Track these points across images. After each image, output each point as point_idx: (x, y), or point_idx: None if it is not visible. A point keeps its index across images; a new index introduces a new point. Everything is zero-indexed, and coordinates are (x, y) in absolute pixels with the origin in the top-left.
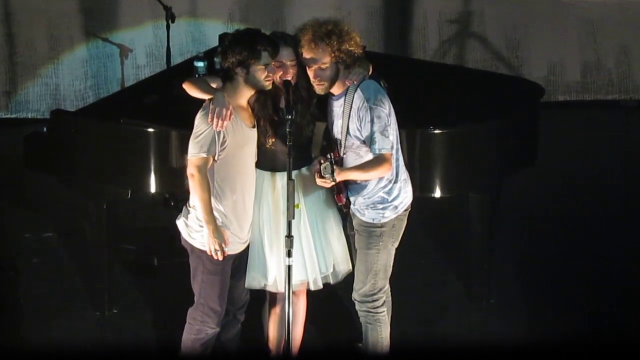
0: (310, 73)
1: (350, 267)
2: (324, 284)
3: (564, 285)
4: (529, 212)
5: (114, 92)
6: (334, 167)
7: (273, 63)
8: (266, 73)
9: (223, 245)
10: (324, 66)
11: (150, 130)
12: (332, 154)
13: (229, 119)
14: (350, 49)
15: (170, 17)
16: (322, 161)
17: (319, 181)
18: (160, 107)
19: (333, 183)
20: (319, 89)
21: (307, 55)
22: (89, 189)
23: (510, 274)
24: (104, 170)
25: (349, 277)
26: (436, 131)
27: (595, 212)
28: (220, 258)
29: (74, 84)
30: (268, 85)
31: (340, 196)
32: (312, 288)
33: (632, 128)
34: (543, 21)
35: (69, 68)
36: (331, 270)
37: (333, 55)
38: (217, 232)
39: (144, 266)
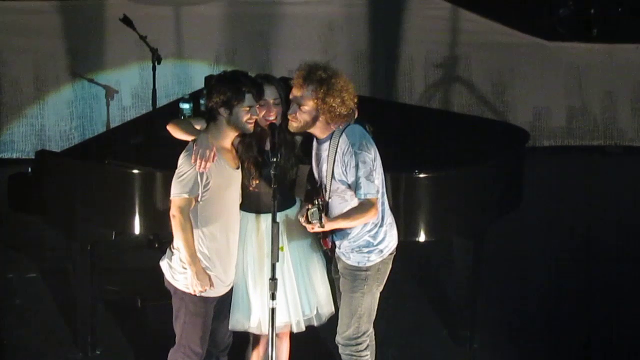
0: (291, 107)
1: (333, 310)
2: (307, 327)
3: (548, 329)
4: (513, 256)
5: (99, 133)
6: (322, 213)
7: (257, 105)
8: (249, 115)
9: (206, 287)
10: (304, 108)
11: (135, 171)
12: (319, 199)
13: (212, 160)
14: (333, 105)
15: (157, 58)
16: (309, 206)
17: (306, 227)
18: (146, 149)
19: (320, 229)
20: (291, 124)
21: (294, 91)
22: (73, 230)
23: (495, 318)
24: (89, 211)
25: (333, 320)
26: (421, 175)
27: (580, 257)
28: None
29: (59, 125)
30: (250, 128)
31: (327, 240)
32: (294, 330)
33: (617, 174)
34: (529, 66)
35: (54, 108)
36: (314, 312)
37: (315, 102)
38: (201, 273)
39: (128, 307)
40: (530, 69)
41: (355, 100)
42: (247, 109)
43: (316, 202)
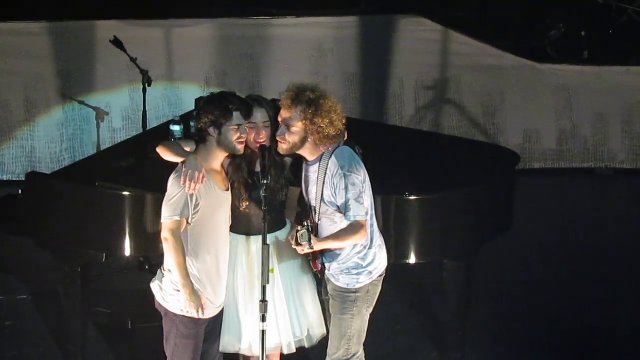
0: (279, 129)
1: (325, 331)
2: (298, 348)
3: (539, 351)
4: (503, 278)
5: (89, 155)
6: (311, 234)
7: (246, 125)
8: (238, 134)
9: (199, 309)
10: (293, 130)
11: (126, 193)
12: (308, 220)
13: (202, 182)
14: (322, 125)
15: (147, 80)
16: (299, 228)
17: (296, 249)
18: (136, 171)
19: (310, 250)
20: (280, 146)
21: (283, 113)
22: (64, 252)
23: (485, 341)
24: (79, 233)
25: (323, 341)
26: (411, 198)
27: (571, 279)
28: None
29: (49, 147)
30: (240, 148)
31: (316, 262)
32: (285, 352)
33: (608, 196)
34: (519, 89)
35: (45, 130)
36: (305, 334)
37: (304, 123)
38: (194, 295)
39: (119, 329)
40: (521, 91)
41: (344, 121)
42: (236, 127)
43: (305, 224)
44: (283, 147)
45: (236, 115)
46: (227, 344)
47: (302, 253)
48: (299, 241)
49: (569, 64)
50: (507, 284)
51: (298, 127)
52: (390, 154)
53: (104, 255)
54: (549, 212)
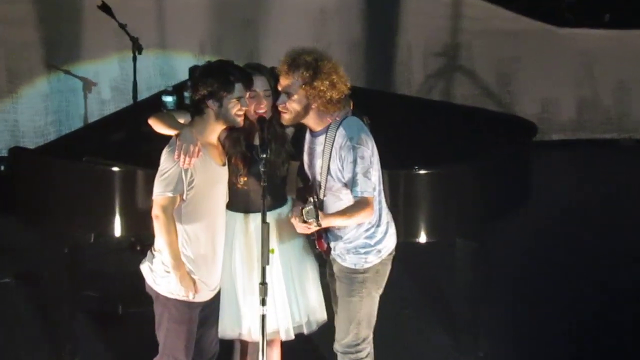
0: (279, 98)
1: (326, 317)
2: (297, 334)
3: (555, 337)
4: (520, 257)
5: (76, 129)
6: (318, 211)
7: (247, 96)
8: (239, 106)
9: (191, 292)
10: (293, 97)
11: (115, 169)
12: (314, 196)
13: (197, 156)
14: (322, 89)
15: (137, 48)
16: (304, 205)
17: (301, 227)
18: (126, 145)
19: (317, 228)
20: (283, 116)
21: (281, 80)
22: (50, 232)
23: (501, 325)
24: (66, 212)
25: (328, 325)
26: (421, 172)
27: (592, 258)
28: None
29: (34, 120)
30: (240, 121)
31: (322, 241)
32: (283, 338)
33: (631, 169)
34: (536, 54)
35: (28, 103)
36: (305, 319)
37: (303, 88)
38: (186, 277)
39: (108, 314)
40: (538, 57)
41: (348, 84)
42: (237, 99)
43: (311, 200)
44: (285, 117)
45: (238, 87)
46: (226, 328)
47: (308, 232)
48: (305, 218)
49: (589, 28)
50: (524, 262)
51: (298, 93)
52: (398, 125)
53: (93, 235)
54: (568, 186)
